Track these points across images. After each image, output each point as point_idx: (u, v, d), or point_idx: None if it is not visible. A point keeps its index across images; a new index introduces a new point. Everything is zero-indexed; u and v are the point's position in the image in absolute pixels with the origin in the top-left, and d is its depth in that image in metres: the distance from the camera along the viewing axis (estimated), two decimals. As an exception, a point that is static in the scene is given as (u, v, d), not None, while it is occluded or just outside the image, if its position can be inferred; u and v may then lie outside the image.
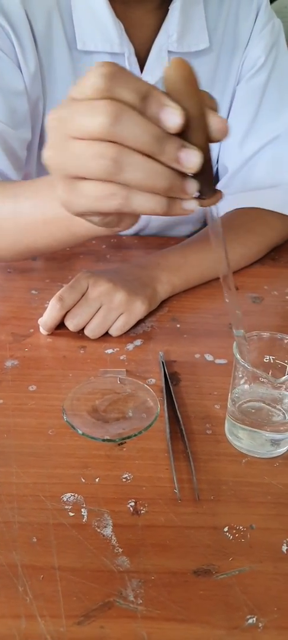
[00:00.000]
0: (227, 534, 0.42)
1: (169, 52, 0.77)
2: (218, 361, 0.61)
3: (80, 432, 0.50)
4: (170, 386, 0.56)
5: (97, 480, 0.46)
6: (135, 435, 0.50)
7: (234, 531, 0.42)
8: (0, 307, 0.68)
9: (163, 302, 0.70)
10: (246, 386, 0.49)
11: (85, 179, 0.38)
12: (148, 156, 0.36)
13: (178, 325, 0.67)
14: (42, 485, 0.45)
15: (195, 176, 0.38)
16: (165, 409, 0.53)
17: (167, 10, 0.76)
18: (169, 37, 0.76)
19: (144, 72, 0.77)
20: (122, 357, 0.61)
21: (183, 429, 0.50)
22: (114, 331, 0.63)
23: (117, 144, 0.36)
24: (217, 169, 0.90)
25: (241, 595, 0.38)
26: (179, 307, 0.71)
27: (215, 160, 0.89)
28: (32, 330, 0.64)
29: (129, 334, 0.64)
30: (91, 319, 0.62)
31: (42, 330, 0.63)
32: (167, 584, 0.38)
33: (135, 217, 0.43)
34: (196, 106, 0.36)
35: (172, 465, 0.47)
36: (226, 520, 0.43)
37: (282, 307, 0.72)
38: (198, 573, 0.39)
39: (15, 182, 0.71)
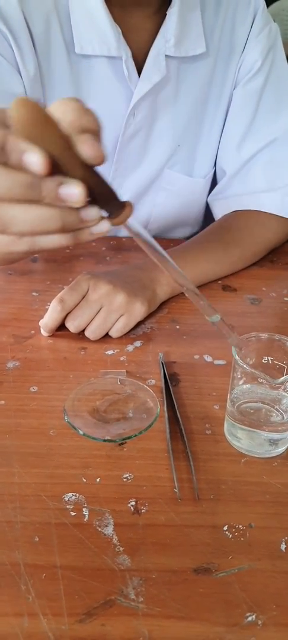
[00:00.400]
0: (227, 532, 0.42)
1: (167, 56, 0.77)
2: (217, 362, 0.61)
3: (81, 432, 0.50)
4: (170, 387, 0.56)
5: (98, 480, 0.46)
6: (135, 435, 0.50)
7: (233, 530, 0.42)
8: (1, 309, 0.69)
9: (163, 304, 0.71)
10: (245, 387, 0.50)
11: None
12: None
13: (177, 327, 0.67)
14: (44, 485, 0.45)
15: (91, 202, 0.37)
16: (165, 409, 0.53)
17: (164, 15, 0.76)
18: (167, 42, 0.77)
19: (141, 76, 0.77)
20: (122, 358, 0.61)
21: (183, 429, 0.51)
22: (114, 332, 0.64)
23: None
24: (215, 172, 0.90)
25: (240, 593, 0.38)
26: (178, 308, 0.71)
27: (213, 163, 0.89)
28: (33, 331, 0.64)
29: (128, 336, 0.65)
30: (91, 320, 0.63)
31: (43, 332, 0.64)
32: (168, 582, 0.39)
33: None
34: (53, 143, 0.33)
35: (172, 465, 0.47)
36: (225, 519, 0.43)
37: (280, 308, 0.73)
38: (198, 571, 0.39)
39: None
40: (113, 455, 0.49)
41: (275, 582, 0.39)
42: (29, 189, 0.35)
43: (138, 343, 0.64)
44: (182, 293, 0.73)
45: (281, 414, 0.49)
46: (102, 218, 0.38)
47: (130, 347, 0.63)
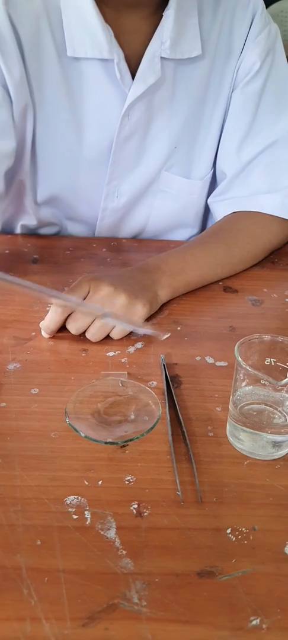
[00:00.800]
0: (230, 535, 0.42)
1: (162, 58, 0.77)
2: (219, 364, 0.61)
3: (83, 434, 0.50)
4: (172, 389, 0.56)
5: (100, 482, 0.46)
6: (137, 437, 0.50)
7: (237, 533, 0.42)
8: (2, 311, 0.69)
9: (164, 305, 0.71)
10: (247, 388, 0.50)
11: None
12: None
13: (179, 328, 0.67)
14: (46, 488, 0.45)
15: None
16: (167, 411, 0.53)
17: (160, 17, 0.76)
18: (162, 44, 0.76)
19: (135, 78, 0.77)
20: (123, 360, 0.61)
21: (185, 431, 0.51)
22: (115, 334, 0.63)
23: None
24: (215, 174, 0.90)
25: (244, 596, 0.38)
26: (180, 310, 0.71)
27: (211, 165, 0.88)
28: (34, 333, 0.64)
29: (129, 337, 0.64)
30: (92, 322, 0.62)
31: (44, 334, 0.64)
32: (171, 585, 0.38)
33: None
34: None
35: (174, 467, 0.47)
36: (229, 522, 0.43)
37: (282, 309, 0.72)
38: (202, 575, 0.39)
39: None
40: (115, 457, 0.48)
41: (280, 586, 0.39)
42: None
43: (139, 344, 0.63)
44: (184, 294, 0.74)
45: (284, 416, 0.49)
46: None
47: (131, 349, 0.63)
